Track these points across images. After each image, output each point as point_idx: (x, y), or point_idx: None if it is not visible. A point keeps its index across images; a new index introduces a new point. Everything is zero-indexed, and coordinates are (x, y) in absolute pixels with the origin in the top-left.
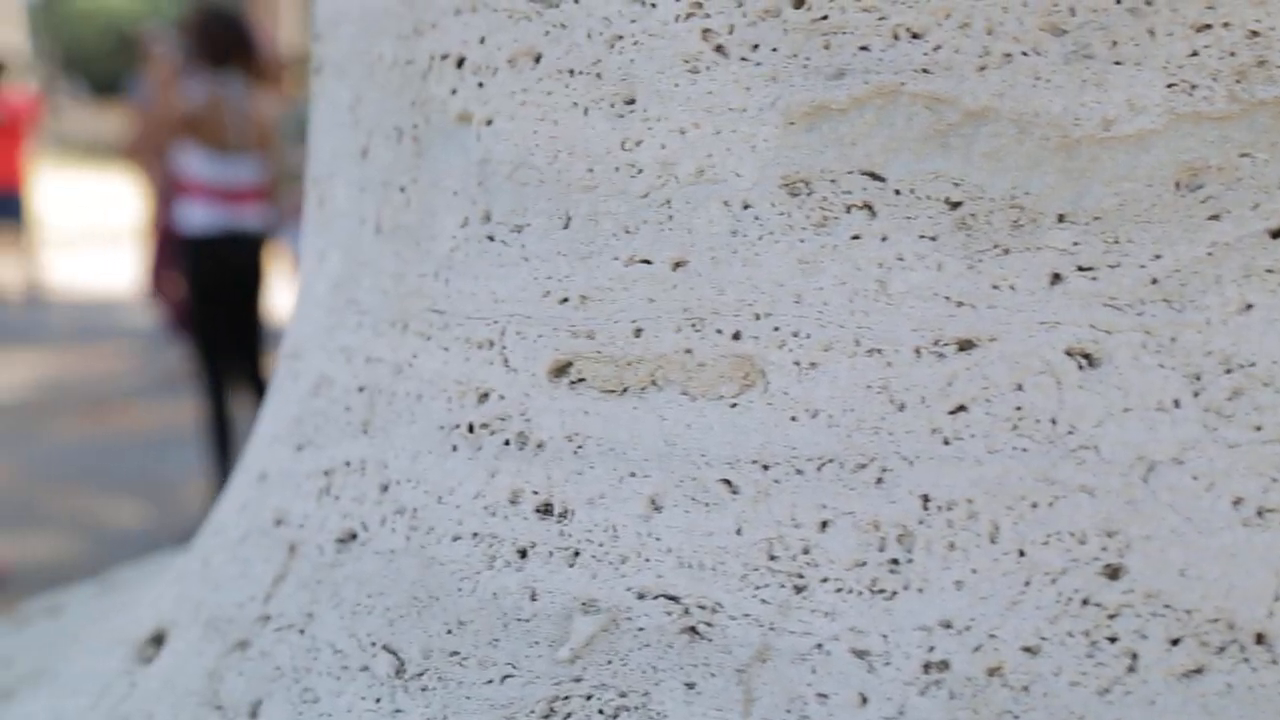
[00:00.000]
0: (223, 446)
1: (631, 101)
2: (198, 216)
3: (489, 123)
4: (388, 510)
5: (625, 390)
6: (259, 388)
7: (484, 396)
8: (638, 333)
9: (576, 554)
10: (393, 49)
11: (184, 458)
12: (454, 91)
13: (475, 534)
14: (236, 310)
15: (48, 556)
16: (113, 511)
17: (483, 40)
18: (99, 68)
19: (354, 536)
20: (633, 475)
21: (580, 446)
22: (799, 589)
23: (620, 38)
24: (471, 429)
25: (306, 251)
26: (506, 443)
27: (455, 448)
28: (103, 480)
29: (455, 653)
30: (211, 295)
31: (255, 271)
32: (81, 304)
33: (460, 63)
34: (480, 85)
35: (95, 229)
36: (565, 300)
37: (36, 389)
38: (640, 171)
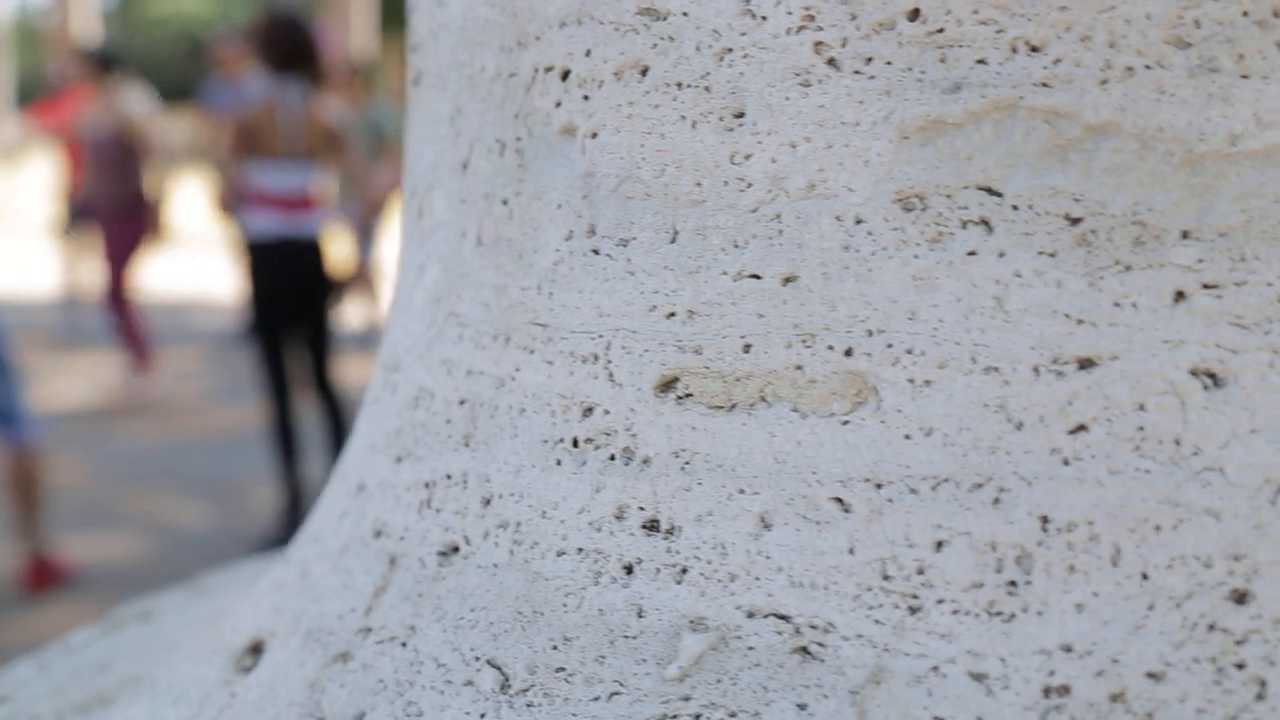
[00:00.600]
0: (288, 450)
1: (741, 115)
2: (254, 223)
3: (594, 135)
4: (490, 524)
5: (734, 406)
6: (326, 393)
7: (588, 411)
8: (747, 348)
9: (684, 571)
10: (495, 61)
11: (252, 460)
12: (558, 104)
13: (580, 549)
14: (299, 316)
15: (119, 556)
16: (182, 512)
17: (588, 53)
18: (171, 73)
19: (456, 550)
20: (741, 492)
21: (687, 463)
22: (914, 610)
23: (730, 51)
24: (576, 443)
25: (403, 263)
26: (611, 458)
27: (559, 462)
28: (173, 482)
29: (561, 669)
30: (270, 301)
31: (315, 277)
32: (155, 306)
33: (565, 75)
34: (585, 98)
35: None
36: (672, 315)
37: (113, 388)
38: (749, 185)
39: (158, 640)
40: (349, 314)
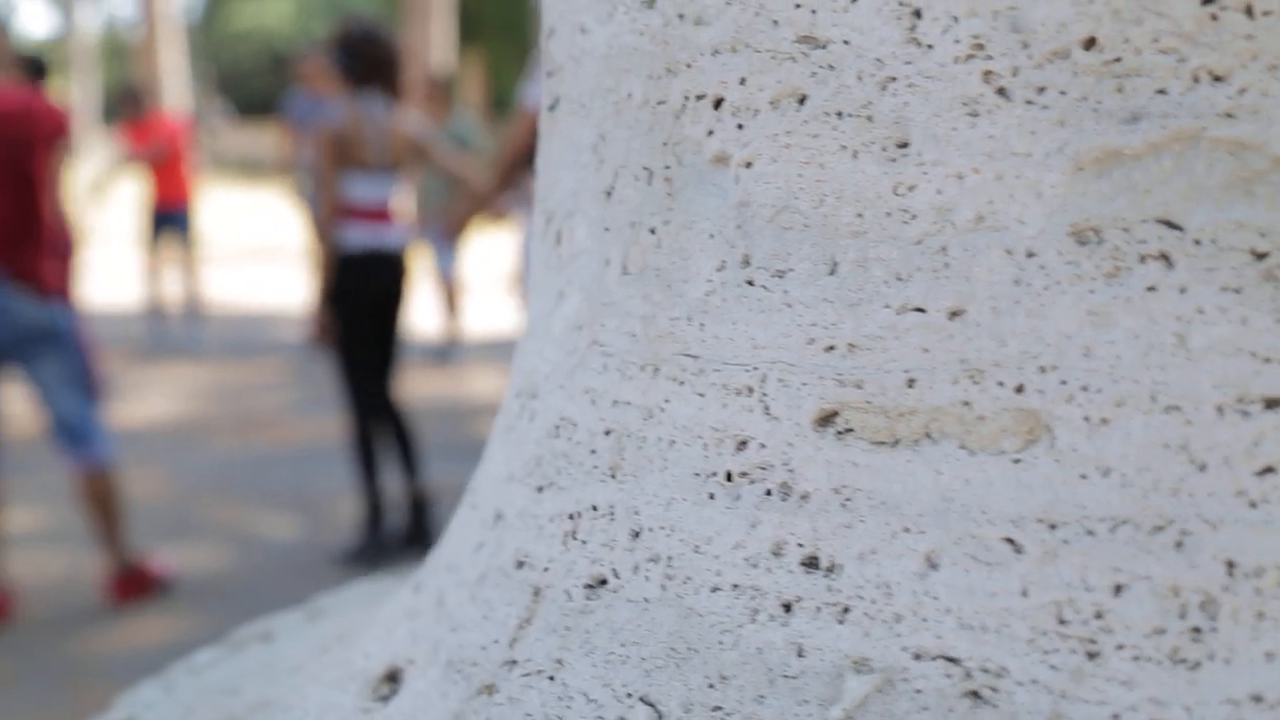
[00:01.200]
0: (369, 463)
1: (905, 145)
2: (344, 235)
3: (748, 165)
4: (640, 558)
5: (897, 442)
6: (389, 406)
7: (742, 444)
8: (911, 383)
9: (846, 610)
10: (642, 88)
11: (333, 472)
12: (710, 133)
13: (736, 585)
14: (378, 329)
15: (204, 568)
16: (265, 524)
17: (743, 81)
18: (253, 86)
19: (604, 583)
20: (906, 530)
21: (848, 499)
22: (1092, 655)
23: (893, 80)
24: (730, 477)
25: (538, 288)
26: (768, 492)
27: (712, 496)
28: (256, 493)
29: (718, 708)
30: (356, 313)
31: (398, 291)
32: (236, 318)
33: (718, 103)
34: (739, 127)
35: (250, 245)
36: (831, 348)
37: (194, 402)
38: (914, 217)
39: (282, 662)
40: (427, 326)
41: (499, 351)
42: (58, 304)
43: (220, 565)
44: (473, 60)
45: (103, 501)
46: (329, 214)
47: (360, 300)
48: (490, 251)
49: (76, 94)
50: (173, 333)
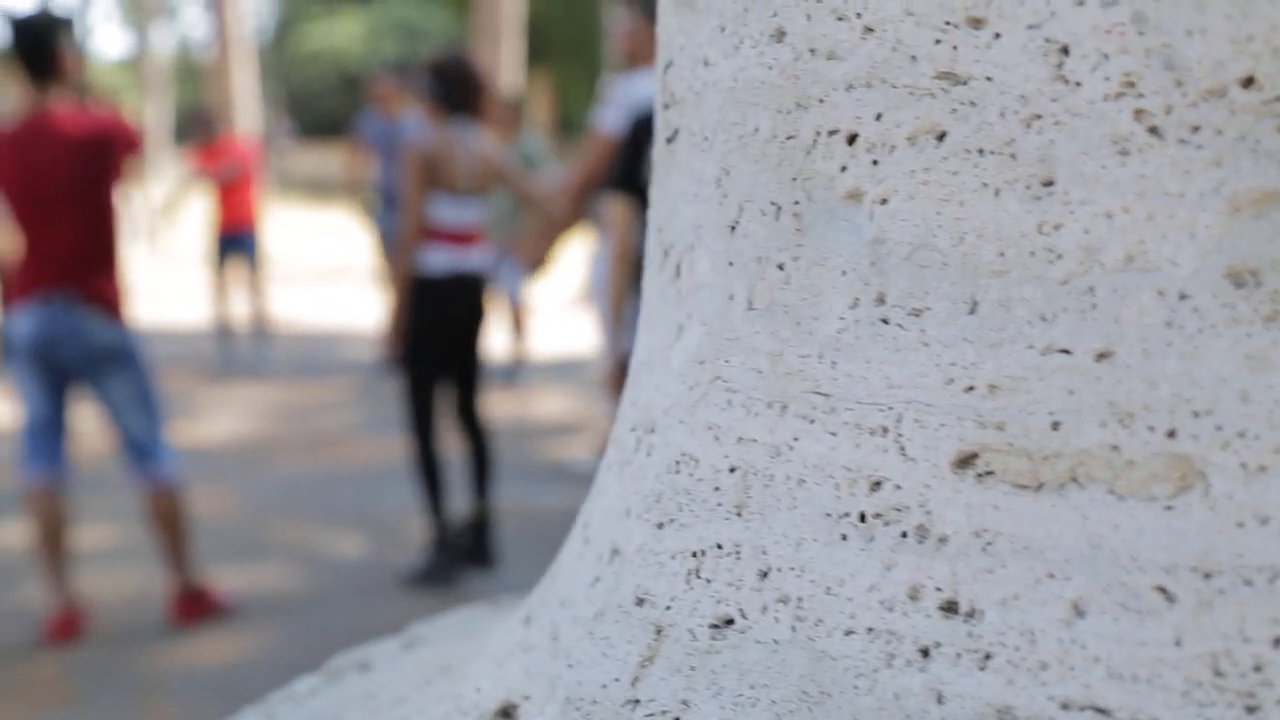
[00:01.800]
0: (435, 484)
1: (1050, 183)
2: (429, 258)
3: (884, 202)
4: (769, 598)
5: (1041, 486)
6: (475, 427)
7: (876, 485)
8: (1055, 426)
9: (988, 657)
10: (770, 123)
11: (399, 492)
12: (843, 169)
13: (870, 629)
14: (458, 350)
15: (272, 585)
16: (332, 543)
17: (878, 117)
18: (323, 107)
19: (730, 623)
20: (1051, 576)
21: (990, 543)
22: (1251, 709)
23: (1039, 117)
24: (863, 518)
25: (653, 321)
26: (904, 535)
27: (845, 537)
28: (323, 512)
29: None
30: (433, 334)
31: (479, 312)
32: (304, 338)
33: (851, 139)
34: (874, 163)
35: (318, 265)
36: (971, 389)
37: (261, 422)
38: (1060, 257)
39: (384, 693)
40: (494, 347)
41: (564, 372)
42: (125, 324)
43: (287, 584)
44: (540, 81)
45: (169, 520)
46: (411, 235)
47: (441, 322)
48: (555, 272)
49: (150, 115)
50: (241, 352)
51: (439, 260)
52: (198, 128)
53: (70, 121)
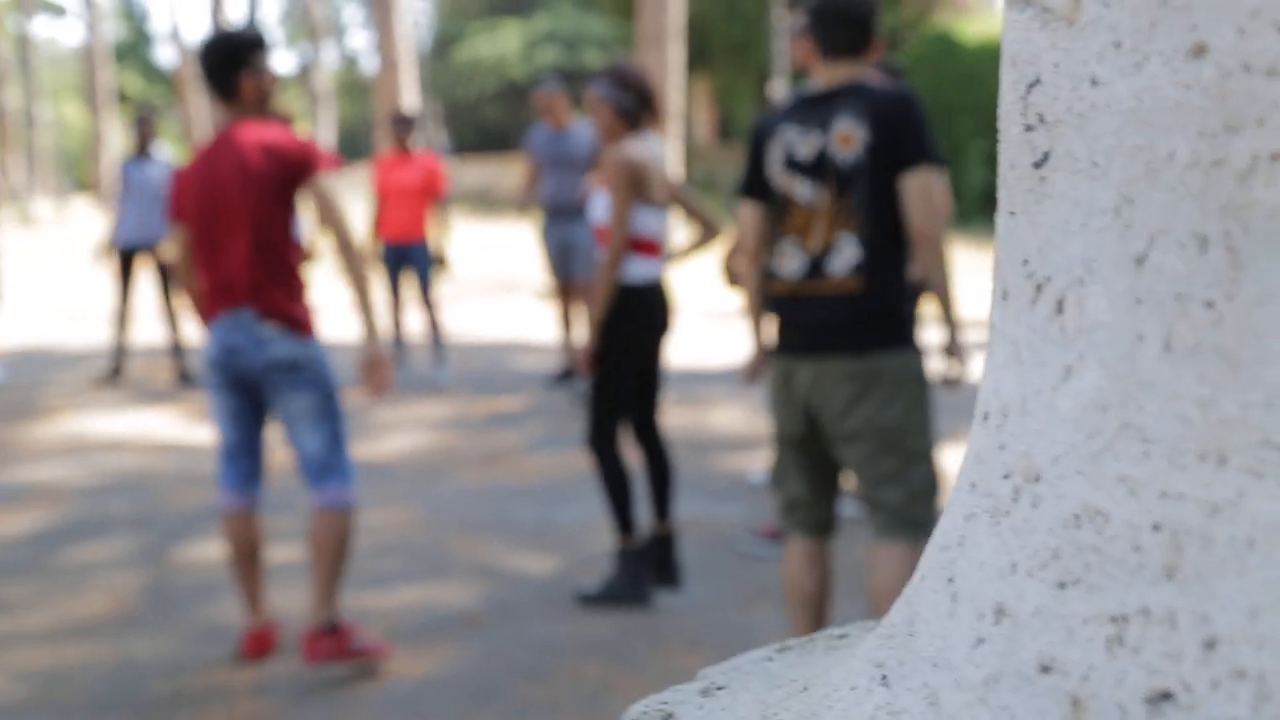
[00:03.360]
0: (626, 497)
1: None
2: (634, 269)
3: None
4: (1220, 672)
5: None
6: (658, 442)
7: None
8: None
9: None
10: (1190, 147)
11: (579, 506)
12: None
13: None
14: (647, 360)
15: (455, 603)
16: (514, 559)
17: None
18: (481, 119)
19: (1168, 697)
20: None
21: None
22: None
23: None
24: None
25: (1026, 360)
26: None
27: None
28: (503, 528)
29: None
30: (636, 346)
31: (669, 322)
32: (477, 351)
33: None
34: None
35: (488, 278)
36: None
37: (438, 436)
38: None
39: None
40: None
41: (728, 380)
42: (306, 338)
43: (470, 601)
44: (701, 86)
45: (328, 545)
46: (619, 247)
47: (644, 333)
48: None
49: (318, 130)
50: (416, 367)
51: (642, 271)
52: (398, 129)
53: (252, 141)
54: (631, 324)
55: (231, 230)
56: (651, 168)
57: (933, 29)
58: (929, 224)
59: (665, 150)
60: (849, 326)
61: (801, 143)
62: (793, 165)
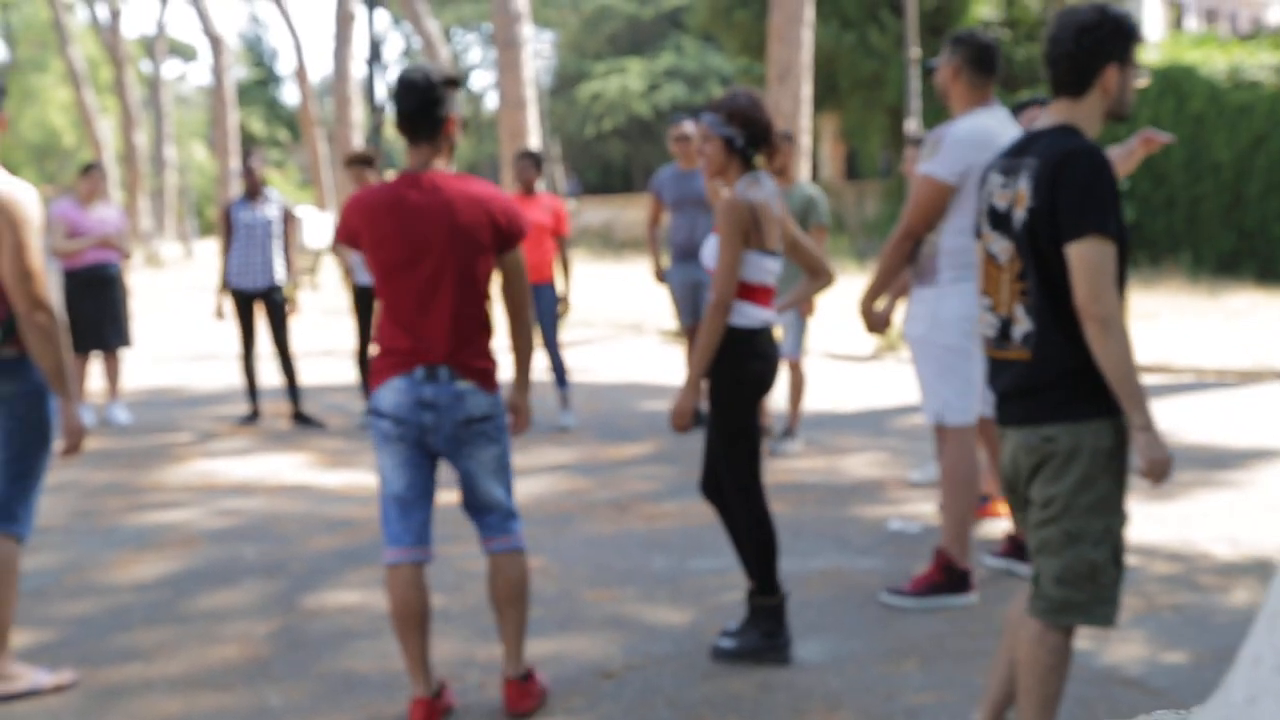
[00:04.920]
0: (774, 548)
1: None
2: (745, 314)
3: None
4: None
5: None
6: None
7: None
8: None
9: None
10: None
11: (712, 556)
12: None
13: None
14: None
15: (589, 656)
16: (647, 610)
17: None
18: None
19: None
20: None
21: None
22: None
23: None
24: None
25: None
26: None
27: None
28: (635, 578)
29: None
30: (756, 391)
31: (773, 372)
32: (602, 394)
33: None
34: None
35: (611, 319)
36: None
37: (565, 482)
38: None
39: None
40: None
41: (869, 425)
42: (494, 392)
43: (603, 654)
44: (828, 123)
45: (523, 586)
46: (726, 295)
47: (759, 380)
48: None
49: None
50: (540, 410)
51: (754, 316)
52: (524, 169)
53: (461, 192)
54: (744, 369)
55: (435, 283)
56: (766, 210)
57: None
58: (1090, 302)
59: (809, 193)
60: (1022, 396)
61: (999, 194)
62: (993, 217)
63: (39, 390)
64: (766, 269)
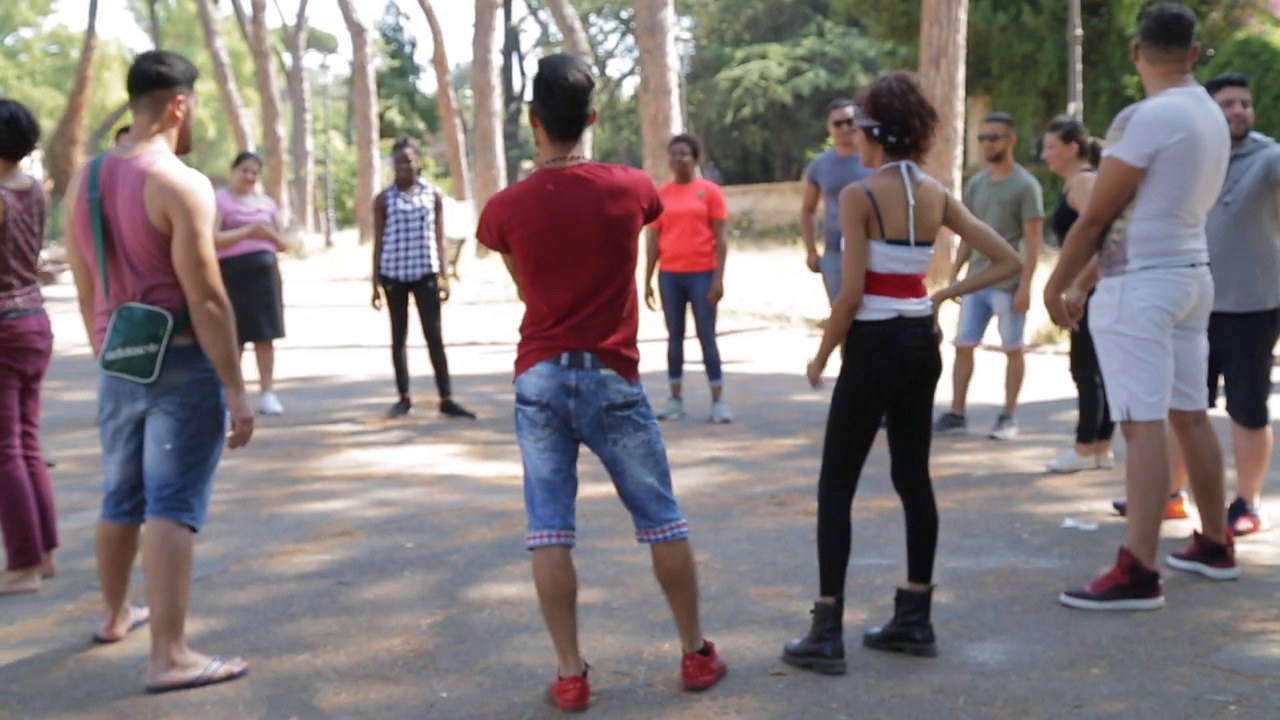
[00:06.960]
0: (846, 553)
1: None
2: (875, 307)
3: None
4: None
5: None
6: (926, 496)
7: None
8: None
9: None
10: None
11: (880, 551)
12: None
13: None
14: (904, 408)
15: (755, 652)
16: (808, 607)
17: None
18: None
19: None
20: None
21: None
22: None
23: None
24: None
25: None
26: None
27: None
28: (801, 574)
29: None
30: (878, 390)
31: (929, 365)
32: (751, 385)
33: None
34: None
35: (757, 309)
36: None
37: (721, 475)
38: None
39: None
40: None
41: (1026, 418)
42: (637, 380)
43: (772, 653)
44: (978, 106)
45: (691, 569)
46: (852, 285)
47: (888, 374)
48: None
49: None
50: (689, 402)
51: (881, 308)
52: (680, 156)
53: (606, 184)
54: (869, 366)
55: (582, 274)
56: (890, 197)
57: (1243, 36)
58: None
59: (1024, 183)
60: None
61: None
62: None
63: (211, 379)
64: (895, 258)
